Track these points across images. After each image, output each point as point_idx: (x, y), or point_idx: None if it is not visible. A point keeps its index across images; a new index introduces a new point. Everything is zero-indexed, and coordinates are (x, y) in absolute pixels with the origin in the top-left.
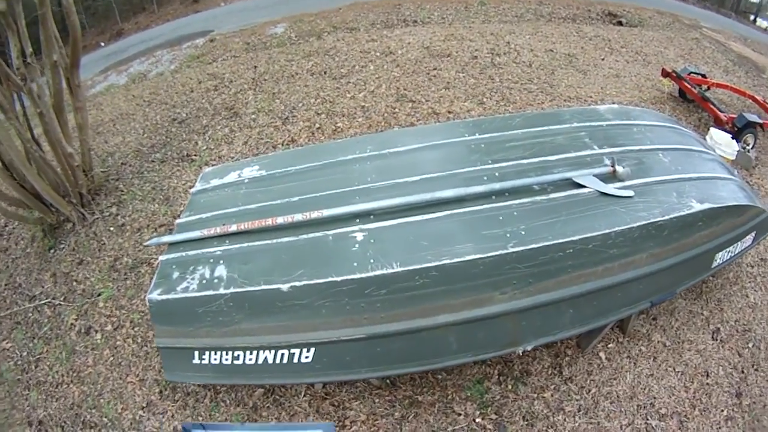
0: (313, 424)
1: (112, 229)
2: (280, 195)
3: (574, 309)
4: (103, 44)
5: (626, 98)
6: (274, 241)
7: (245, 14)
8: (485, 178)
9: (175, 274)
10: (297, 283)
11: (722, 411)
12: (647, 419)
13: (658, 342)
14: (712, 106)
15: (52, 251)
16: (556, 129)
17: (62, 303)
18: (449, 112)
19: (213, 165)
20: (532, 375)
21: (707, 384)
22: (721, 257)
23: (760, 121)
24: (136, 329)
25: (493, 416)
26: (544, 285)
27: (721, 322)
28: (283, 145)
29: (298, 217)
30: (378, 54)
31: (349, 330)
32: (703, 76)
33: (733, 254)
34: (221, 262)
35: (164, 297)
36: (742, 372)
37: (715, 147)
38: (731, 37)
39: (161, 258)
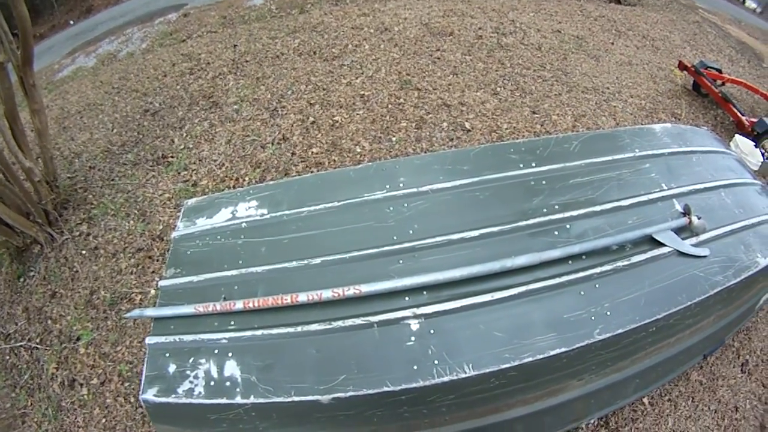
0: None
1: (84, 252)
2: (293, 252)
3: (641, 379)
4: (72, 22)
5: (642, 90)
6: (299, 328)
7: None
8: (556, 233)
9: (171, 368)
10: (341, 395)
11: None
12: None
13: (696, 380)
14: (734, 109)
15: (21, 279)
16: (619, 160)
17: (39, 346)
18: (461, 104)
19: (192, 168)
20: (580, 430)
21: (736, 419)
22: (764, 299)
23: None
24: (126, 386)
25: None
26: (620, 365)
27: (750, 352)
28: (273, 144)
29: (327, 294)
30: (372, 31)
31: None
32: (719, 70)
33: None
34: (230, 355)
35: (163, 400)
36: (766, 404)
37: (741, 156)
38: (726, 20)
39: (148, 341)
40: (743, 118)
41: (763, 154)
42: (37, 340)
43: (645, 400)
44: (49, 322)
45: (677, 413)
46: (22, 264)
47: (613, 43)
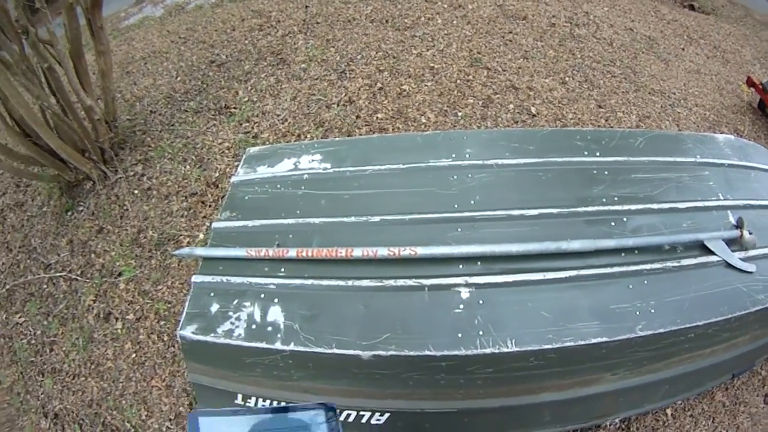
0: (314, 404)
1: (136, 192)
2: (353, 208)
3: (670, 386)
4: None
5: (708, 101)
6: (350, 282)
7: None
8: (613, 223)
9: (214, 307)
10: (382, 353)
11: None
12: None
13: (719, 401)
14: None
15: (69, 213)
16: (680, 163)
17: (79, 278)
18: (529, 89)
19: (254, 121)
20: (601, 429)
21: None
22: None
23: None
24: (161, 324)
25: None
26: (655, 366)
27: None
28: (338, 105)
29: (383, 252)
30: (446, 6)
31: (438, 403)
32: None
33: None
34: (276, 300)
35: (200, 337)
36: None
37: None
38: None
39: (194, 279)
40: None
41: None
42: (78, 272)
43: (668, 411)
44: (93, 255)
45: (696, 430)
46: (71, 198)
47: (683, 49)
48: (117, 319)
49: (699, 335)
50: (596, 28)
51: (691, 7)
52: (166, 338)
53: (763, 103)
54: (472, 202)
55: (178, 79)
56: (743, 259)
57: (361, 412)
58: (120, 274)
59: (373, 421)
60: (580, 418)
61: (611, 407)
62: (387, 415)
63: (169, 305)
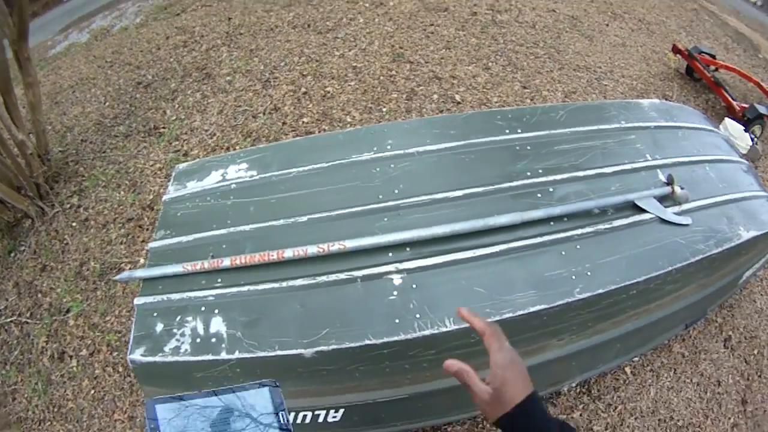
0: (258, 382)
1: (74, 224)
2: (281, 211)
3: (621, 344)
4: None
5: (635, 71)
6: (284, 284)
7: None
8: (539, 195)
9: (159, 327)
10: (324, 348)
11: (729, 419)
12: None
13: (678, 353)
14: (725, 93)
15: (12, 255)
16: (604, 130)
17: (29, 320)
18: (453, 77)
19: (184, 139)
20: (562, 395)
21: (718, 393)
22: (747, 275)
23: None
24: (114, 355)
25: None
26: (600, 327)
27: (732, 329)
28: (264, 113)
29: (313, 249)
30: (367, 5)
31: (388, 391)
32: (712, 56)
33: (756, 269)
34: (216, 311)
35: (150, 359)
36: (748, 379)
37: (729, 138)
38: (725, 10)
39: (137, 302)
40: (734, 103)
41: (752, 139)
42: (27, 315)
43: (627, 369)
44: (39, 295)
45: (659, 384)
46: (12, 239)
47: (608, 25)
48: (71, 357)
49: (641, 291)
50: (518, 12)
51: None
52: (121, 369)
53: (690, 68)
54: (396, 191)
55: (107, 104)
56: (678, 214)
57: (316, 411)
58: (68, 311)
59: (329, 419)
60: (535, 387)
61: (564, 373)
62: (342, 410)
63: (120, 335)
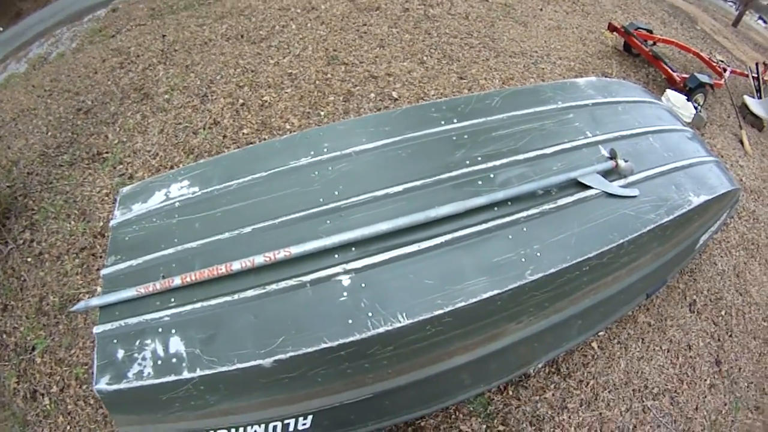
0: None
1: (29, 260)
2: (225, 224)
3: (583, 320)
4: (1, 29)
5: (572, 52)
6: (236, 296)
7: None
8: (480, 182)
9: (120, 353)
10: (281, 356)
11: (705, 380)
12: (643, 401)
13: (644, 322)
14: (665, 66)
15: None
16: (541, 111)
17: None
18: (388, 75)
19: (127, 162)
20: (532, 377)
21: (690, 357)
22: (703, 239)
23: (711, 82)
24: (84, 388)
25: (501, 427)
26: (558, 306)
27: (696, 293)
28: (204, 129)
29: (260, 259)
30: (299, 11)
31: (353, 392)
32: (649, 31)
33: (711, 233)
34: (173, 331)
35: (115, 387)
36: (719, 340)
37: (672, 108)
38: None
39: (96, 331)
40: (674, 74)
41: (695, 107)
42: None
43: (594, 344)
44: (4, 336)
45: (629, 355)
46: None
47: (542, 9)
48: (43, 395)
49: (595, 266)
50: (450, 4)
51: None
52: (92, 401)
53: (627, 44)
54: (336, 192)
55: (49, 134)
56: (624, 186)
57: (286, 420)
58: (34, 348)
59: (300, 427)
60: (501, 372)
61: (529, 355)
62: (310, 416)
63: (86, 367)
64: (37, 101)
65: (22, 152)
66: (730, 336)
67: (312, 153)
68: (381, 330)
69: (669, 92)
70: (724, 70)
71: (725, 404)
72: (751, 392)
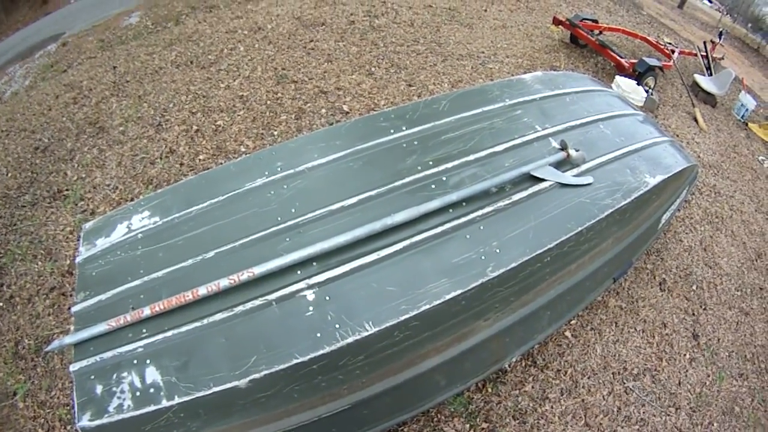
0: None
1: (1, 304)
2: (188, 251)
3: (551, 310)
4: None
5: (519, 50)
6: (205, 321)
7: (97, 8)
8: (433, 186)
9: (99, 388)
10: (256, 376)
11: (685, 355)
12: (624, 383)
13: (615, 306)
14: (612, 53)
15: None
16: (490, 110)
17: None
18: (338, 89)
19: (88, 198)
20: (509, 372)
21: (667, 335)
22: (665, 218)
23: (660, 64)
24: (68, 428)
25: (484, 425)
26: (524, 299)
27: (665, 271)
28: (161, 158)
29: (225, 283)
30: (246, 32)
31: (330, 405)
32: (595, 21)
33: (672, 211)
34: (148, 361)
35: (97, 422)
36: (693, 315)
37: (623, 95)
38: None
39: (72, 368)
40: (622, 60)
41: (647, 91)
42: None
43: (567, 333)
44: None
45: (603, 340)
46: None
47: (486, 10)
48: None
49: (556, 256)
50: (395, 14)
51: None
52: None
53: (574, 36)
54: (293, 210)
55: (9, 175)
56: (578, 176)
57: None
58: (15, 393)
59: None
60: (476, 370)
61: (502, 350)
62: None
63: (68, 407)
64: None
65: None
66: (705, 309)
67: (266, 173)
68: (350, 340)
69: (618, 78)
70: (673, 52)
71: (708, 375)
72: (733, 361)
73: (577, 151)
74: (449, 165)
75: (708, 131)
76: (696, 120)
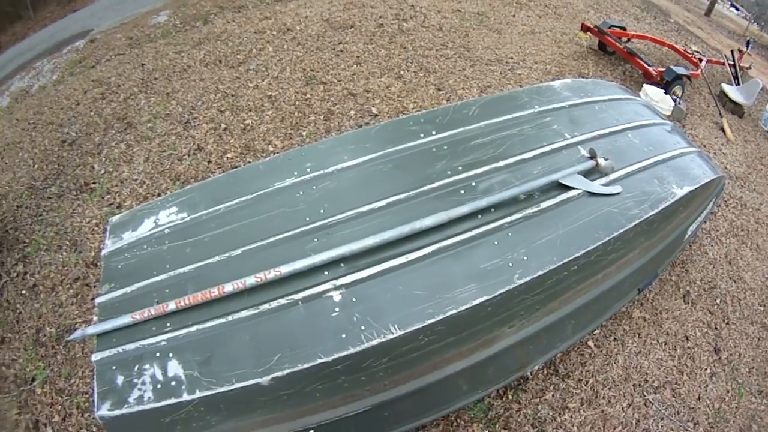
0: None
1: (24, 292)
2: (215, 248)
3: (576, 319)
4: None
5: (547, 56)
6: (230, 317)
7: (124, 6)
8: (462, 191)
9: (120, 379)
10: (279, 374)
11: (706, 369)
12: (644, 395)
13: (639, 317)
14: (640, 61)
15: None
16: (519, 117)
17: None
18: (367, 91)
19: (115, 191)
20: (530, 380)
21: (689, 348)
22: (691, 229)
23: (687, 73)
24: (86, 416)
25: None
26: (550, 307)
27: (689, 284)
28: (189, 155)
29: (251, 280)
30: (275, 33)
31: (352, 405)
32: (623, 28)
33: (699, 223)
34: (170, 355)
35: (117, 412)
36: (716, 329)
37: (650, 103)
38: None
39: (94, 358)
40: (650, 68)
41: (674, 100)
42: None
43: (590, 343)
44: (3, 368)
45: (626, 351)
46: None
47: (514, 16)
48: (45, 425)
49: (583, 265)
50: (424, 17)
51: None
52: (95, 429)
53: (602, 43)
54: (322, 211)
55: (36, 167)
56: (606, 185)
57: None
58: (33, 379)
59: None
60: (499, 376)
61: (525, 357)
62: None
63: (87, 396)
64: (22, 134)
65: (10, 186)
66: (727, 324)
67: (295, 173)
68: (374, 342)
69: (646, 87)
70: (700, 61)
71: (728, 391)
72: (753, 377)
73: (606, 160)
74: (478, 171)
75: (735, 142)
76: (723, 130)
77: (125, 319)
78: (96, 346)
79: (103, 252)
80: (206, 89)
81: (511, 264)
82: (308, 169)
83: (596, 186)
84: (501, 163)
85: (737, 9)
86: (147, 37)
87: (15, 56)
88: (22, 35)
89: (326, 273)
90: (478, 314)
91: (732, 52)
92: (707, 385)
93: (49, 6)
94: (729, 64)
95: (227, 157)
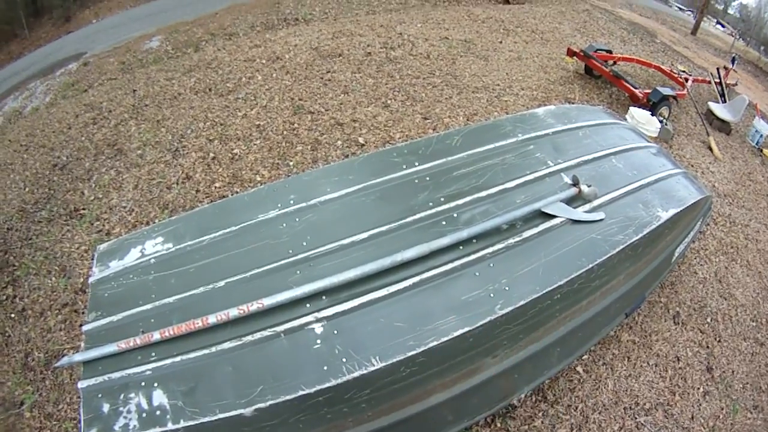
0: None
1: (13, 315)
2: (200, 279)
3: (562, 347)
4: None
5: (534, 82)
6: (214, 348)
7: (118, 30)
8: (444, 223)
9: (106, 407)
10: (261, 405)
11: (699, 389)
12: (635, 418)
13: (628, 341)
14: (626, 84)
15: None
16: (502, 146)
17: None
18: (354, 121)
19: (104, 218)
20: (518, 407)
21: (680, 368)
22: (679, 251)
23: (674, 94)
24: None
25: None
26: (533, 336)
27: (679, 304)
28: (177, 183)
29: (234, 312)
30: (264, 61)
31: None
32: (609, 51)
33: (687, 244)
34: (155, 385)
35: None
36: (708, 347)
37: (637, 126)
38: (617, 4)
39: (81, 386)
40: (636, 90)
41: (660, 121)
42: None
43: (579, 368)
44: None
45: (615, 375)
46: None
47: (501, 42)
48: None
49: (567, 293)
50: (412, 46)
51: (506, 1)
52: None
53: (588, 67)
54: (304, 243)
55: (27, 189)
56: (589, 211)
57: None
58: (22, 403)
59: None
60: (484, 406)
61: (510, 386)
62: None
63: (74, 422)
64: (14, 156)
65: (1, 207)
66: (719, 341)
67: (279, 205)
68: (356, 374)
69: (632, 110)
70: (686, 80)
71: (722, 409)
72: (748, 392)
73: (588, 186)
74: (460, 201)
75: (723, 159)
76: (710, 149)
77: (111, 348)
78: (83, 373)
79: (91, 280)
80: (196, 117)
81: (492, 294)
82: (291, 201)
83: (579, 213)
84: (483, 193)
85: (723, 26)
86: (139, 62)
87: (9, 75)
88: (18, 54)
89: (308, 305)
90: (460, 345)
91: (718, 69)
92: (701, 404)
93: (44, 26)
94: (715, 82)
95: (215, 187)
